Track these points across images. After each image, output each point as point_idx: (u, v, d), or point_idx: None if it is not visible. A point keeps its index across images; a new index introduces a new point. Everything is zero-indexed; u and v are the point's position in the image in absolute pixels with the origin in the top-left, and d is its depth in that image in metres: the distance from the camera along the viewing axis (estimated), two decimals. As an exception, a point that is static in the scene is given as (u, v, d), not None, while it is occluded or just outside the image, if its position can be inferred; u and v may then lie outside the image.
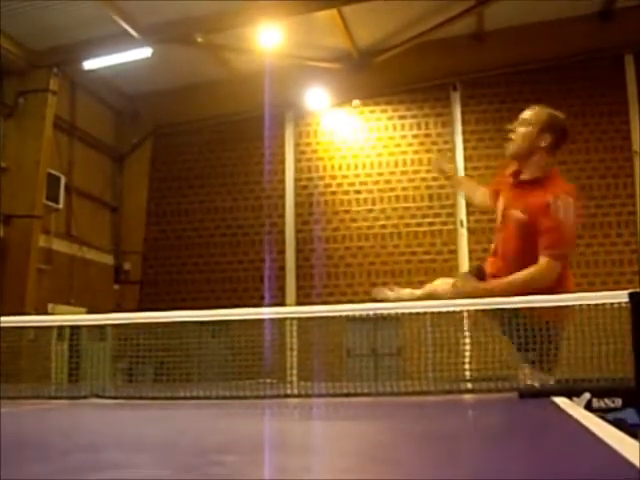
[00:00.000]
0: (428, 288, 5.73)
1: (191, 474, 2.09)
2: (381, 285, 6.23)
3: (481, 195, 5.97)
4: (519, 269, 5.17)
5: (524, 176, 5.37)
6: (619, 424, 3.55)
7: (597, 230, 19.93)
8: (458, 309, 5.40)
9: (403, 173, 21.40)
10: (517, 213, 5.30)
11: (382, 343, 14.11)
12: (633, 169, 20.07)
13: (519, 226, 5.28)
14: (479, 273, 5.58)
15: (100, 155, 22.14)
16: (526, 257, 5.16)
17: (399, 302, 5.63)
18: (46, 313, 17.62)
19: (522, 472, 2.04)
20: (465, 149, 20.96)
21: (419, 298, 5.58)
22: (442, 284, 5.67)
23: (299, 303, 20.37)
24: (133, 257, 22.58)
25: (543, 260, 5.10)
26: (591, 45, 20.00)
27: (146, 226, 22.80)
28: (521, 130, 5.34)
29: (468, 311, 5.40)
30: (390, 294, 5.77)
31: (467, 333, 5.56)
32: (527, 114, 5.42)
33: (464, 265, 20.40)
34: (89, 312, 17.19)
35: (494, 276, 5.41)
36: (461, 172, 20.53)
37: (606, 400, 4.51)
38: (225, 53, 20.19)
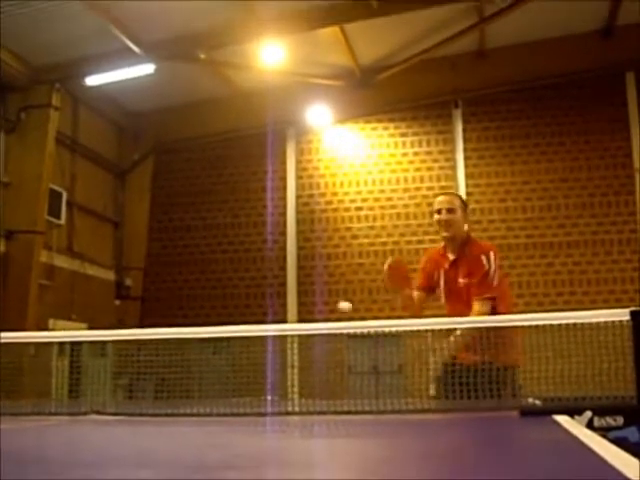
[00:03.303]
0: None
1: (192, 491, 2.09)
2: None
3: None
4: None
5: (452, 255, 6.46)
6: (621, 443, 3.54)
7: (599, 248, 19.94)
8: (460, 326, 5.41)
9: (405, 190, 21.41)
10: (463, 280, 6.26)
11: (383, 360, 14.09)
12: (635, 187, 20.07)
13: (465, 288, 6.23)
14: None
15: (102, 171, 22.16)
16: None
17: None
18: (47, 329, 17.62)
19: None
20: (466, 166, 20.97)
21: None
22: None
23: (300, 320, 20.35)
24: (134, 273, 22.57)
25: (475, 305, 6.01)
26: (592, 62, 20.05)
27: (148, 242, 22.81)
28: (456, 217, 6.50)
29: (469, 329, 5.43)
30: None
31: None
32: (450, 203, 6.59)
33: (465, 282, 20.38)
34: (90, 328, 17.21)
35: None
36: (462, 190, 20.58)
37: (608, 418, 4.50)
38: (227, 70, 20.24)
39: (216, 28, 17.50)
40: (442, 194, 6.93)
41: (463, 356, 5.73)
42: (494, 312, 5.96)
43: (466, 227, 6.54)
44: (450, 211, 6.47)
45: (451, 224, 6.44)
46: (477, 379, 5.26)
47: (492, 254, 6.18)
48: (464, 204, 6.72)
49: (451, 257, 6.45)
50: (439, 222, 6.54)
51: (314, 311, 20.96)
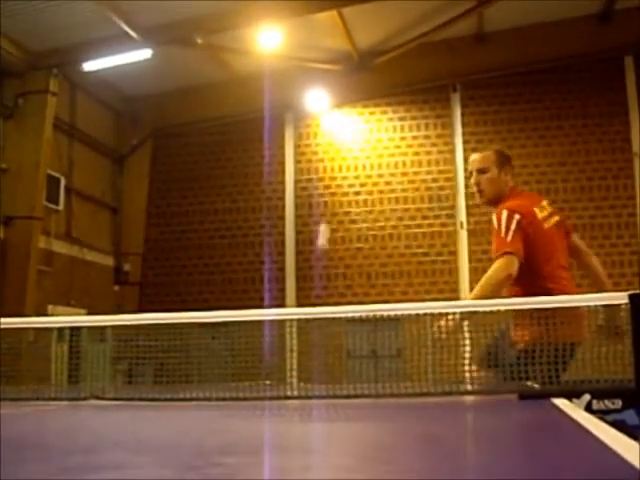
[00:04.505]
0: None
1: (191, 475, 2.09)
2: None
3: None
4: (514, 287, 5.71)
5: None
6: (619, 426, 3.55)
7: (597, 231, 19.94)
8: (458, 310, 5.41)
9: (403, 174, 21.41)
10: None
11: (382, 345, 14.08)
12: (633, 170, 20.06)
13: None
14: None
15: (100, 156, 22.14)
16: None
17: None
18: (46, 314, 17.63)
19: (522, 473, 2.04)
20: (465, 150, 20.94)
21: None
22: None
23: (299, 304, 20.37)
24: (133, 258, 22.58)
25: (495, 262, 5.62)
26: (591, 46, 20.00)
27: (146, 227, 22.81)
28: (485, 177, 6.07)
29: (468, 313, 5.41)
30: None
31: (467, 334, 5.57)
32: (479, 163, 6.16)
33: (464, 267, 20.40)
34: (89, 313, 17.20)
35: None
36: (460, 174, 20.59)
37: (606, 401, 4.51)
38: (225, 54, 20.20)
39: (213, 13, 17.47)
40: (477, 153, 6.40)
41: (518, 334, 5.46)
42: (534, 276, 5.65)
43: (510, 183, 6.09)
44: (481, 171, 6.09)
45: (482, 189, 6.08)
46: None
47: (504, 212, 5.70)
48: (503, 158, 6.21)
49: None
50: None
51: (312, 296, 20.99)
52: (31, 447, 2.85)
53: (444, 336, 5.41)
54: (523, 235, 5.65)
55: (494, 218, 5.76)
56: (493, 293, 5.50)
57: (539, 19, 19.44)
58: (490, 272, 5.61)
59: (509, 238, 5.62)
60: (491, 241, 5.85)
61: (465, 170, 20.60)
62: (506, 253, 5.59)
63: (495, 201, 6.02)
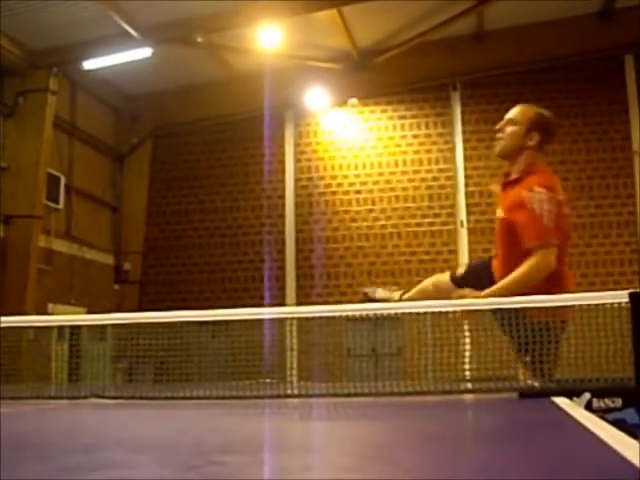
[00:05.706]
0: (423, 288, 5.89)
1: (191, 474, 2.09)
2: (380, 284, 6.24)
3: None
4: (509, 268, 5.24)
5: (512, 176, 5.48)
6: (619, 424, 3.55)
7: (597, 230, 19.94)
8: (458, 309, 5.39)
9: (403, 173, 21.41)
10: (499, 213, 5.45)
11: (382, 343, 14.09)
12: (633, 169, 20.07)
13: (501, 225, 5.43)
14: (483, 268, 5.64)
15: (100, 155, 22.13)
16: (513, 256, 5.23)
17: (392, 302, 5.76)
18: (46, 313, 17.63)
19: (522, 472, 2.04)
20: (465, 149, 20.96)
21: (410, 299, 5.71)
22: (438, 286, 5.79)
23: (299, 303, 20.37)
24: (133, 257, 22.58)
25: (533, 254, 5.09)
26: (591, 45, 20.01)
27: (146, 226, 22.81)
28: (509, 129, 5.50)
29: (469, 311, 5.38)
30: (381, 294, 5.93)
31: (467, 333, 5.55)
32: (514, 113, 5.58)
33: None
34: (89, 312, 17.20)
35: (495, 277, 5.48)
36: (461, 172, 20.59)
37: (606, 400, 4.50)
38: (225, 53, 20.19)
39: (214, 12, 17.46)
40: (523, 104, 5.70)
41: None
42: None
43: (531, 152, 5.46)
44: (511, 122, 5.51)
45: (500, 137, 5.52)
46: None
47: (544, 193, 5.16)
48: (541, 123, 5.52)
49: (505, 180, 5.52)
50: None
51: (313, 294, 20.99)
52: (31, 446, 2.85)
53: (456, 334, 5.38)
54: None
55: (534, 197, 5.16)
56: (527, 288, 5.03)
57: (539, 18, 19.44)
58: (531, 265, 5.10)
59: (551, 225, 5.13)
60: (492, 240, 5.73)
61: (465, 169, 20.65)
62: (549, 244, 5.12)
63: (505, 156, 5.55)
